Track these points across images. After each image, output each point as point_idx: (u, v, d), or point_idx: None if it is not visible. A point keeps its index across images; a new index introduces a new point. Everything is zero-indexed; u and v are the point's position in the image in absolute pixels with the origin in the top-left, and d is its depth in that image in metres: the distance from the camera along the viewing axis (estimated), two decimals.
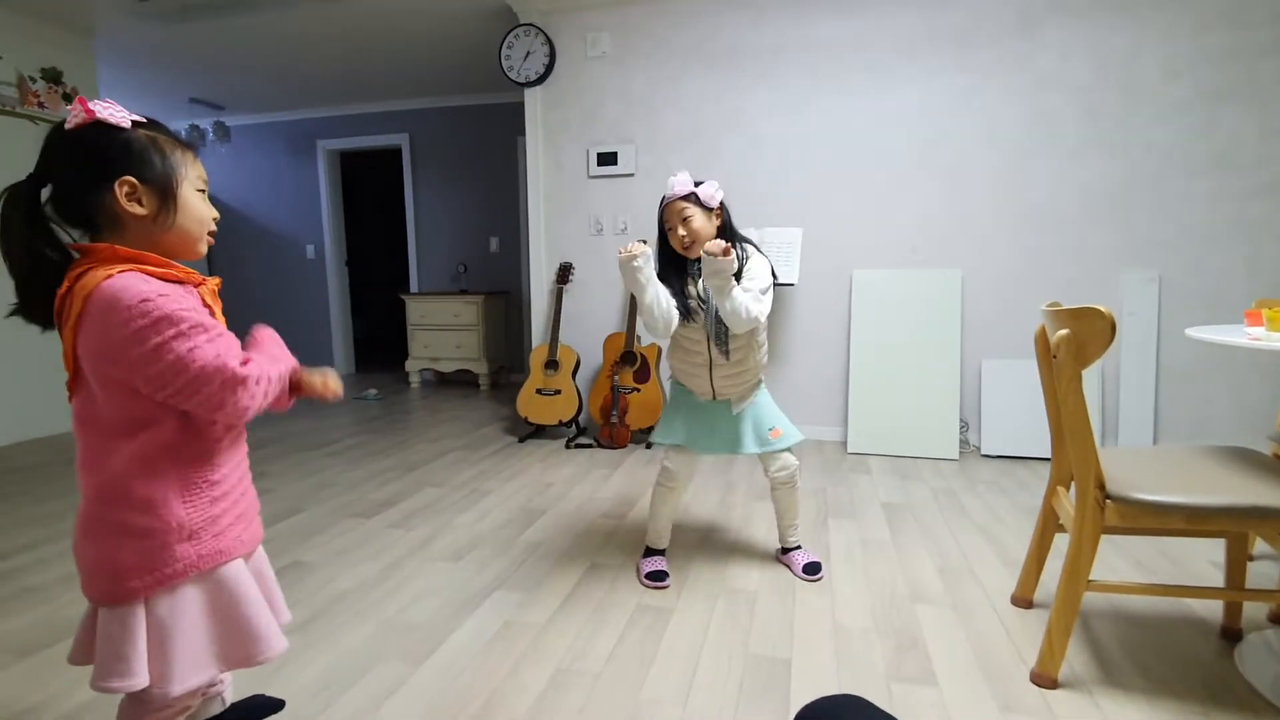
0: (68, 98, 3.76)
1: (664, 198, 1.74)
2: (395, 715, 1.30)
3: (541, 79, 3.62)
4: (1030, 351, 3.12)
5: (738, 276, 1.67)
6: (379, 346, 7.88)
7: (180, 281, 0.92)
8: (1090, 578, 1.32)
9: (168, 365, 0.84)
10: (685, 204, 1.69)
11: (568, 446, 3.36)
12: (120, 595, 0.89)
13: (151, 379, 0.85)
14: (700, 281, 1.71)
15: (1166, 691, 1.34)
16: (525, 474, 2.91)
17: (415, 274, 5.70)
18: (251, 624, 0.97)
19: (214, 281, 1.00)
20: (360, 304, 6.85)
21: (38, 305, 0.90)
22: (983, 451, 3.15)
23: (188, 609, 0.93)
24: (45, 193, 0.90)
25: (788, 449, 1.88)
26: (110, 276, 0.84)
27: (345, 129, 5.63)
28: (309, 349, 5.98)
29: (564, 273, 3.66)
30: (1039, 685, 1.36)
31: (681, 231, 1.70)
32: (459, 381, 5.53)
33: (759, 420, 1.86)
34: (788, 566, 1.94)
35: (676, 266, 1.77)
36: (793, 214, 3.39)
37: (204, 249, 0.99)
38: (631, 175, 3.59)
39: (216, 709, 1.18)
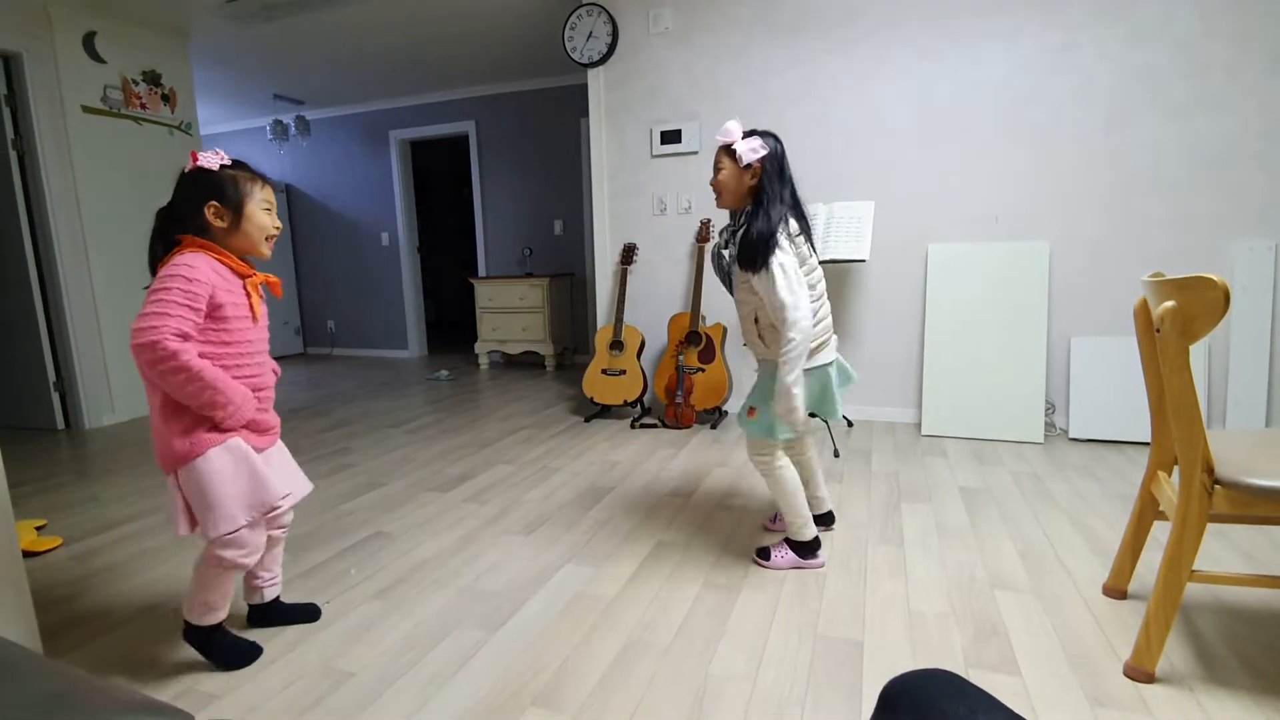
0: (166, 99, 4.02)
1: None
2: (473, 678, 1.36)
3: (604, 59, 3.61)
4: (1125, 328, 2.92)
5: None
6: (449, 328, 8.17)
7: (232, 268, 1.33)
8: (1194, 568, 1.23)
9: (146, 302, 1.22)
10: (721, 155, 1.69)
11: (633, 426, 3.39)
12: (164, 468, 1.31)
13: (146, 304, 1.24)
14: (710, 257, 1.78)
15: (1277, 691, 1.24)
16: (592, 452, 2.96)
17: (483, 258, 5.84)
18: (260, 477, 1.33)
19: (261, 277, 1.39)
20: (431, 288, 7.09)
21: None
22: (1071, 435, 2.97)
23: (208, 473, 1.28)
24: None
25: (755, 436, 1.76)
26: (186, 253, 1.28)
27: (415, 118, 5.80)
28: (385, 332, 6.25)
29: (628, 253, 3.67)
30: (1133, 679, 1.29)
31: (712, 180, 1.72)
32: (526, 363, 5.66)
33: (754, 393, 1.79)
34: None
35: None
36: (864, 187, 3.27)
37: (267, 251, 1.39)
38: (696, 153, 3.54)
39: (258, 600, 1.55)
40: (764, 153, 1.63)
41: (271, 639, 1.51)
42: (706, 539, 2.01)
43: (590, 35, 3.60)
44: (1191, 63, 2.75)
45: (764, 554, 1.84)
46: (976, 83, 3.05)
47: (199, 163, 1.31)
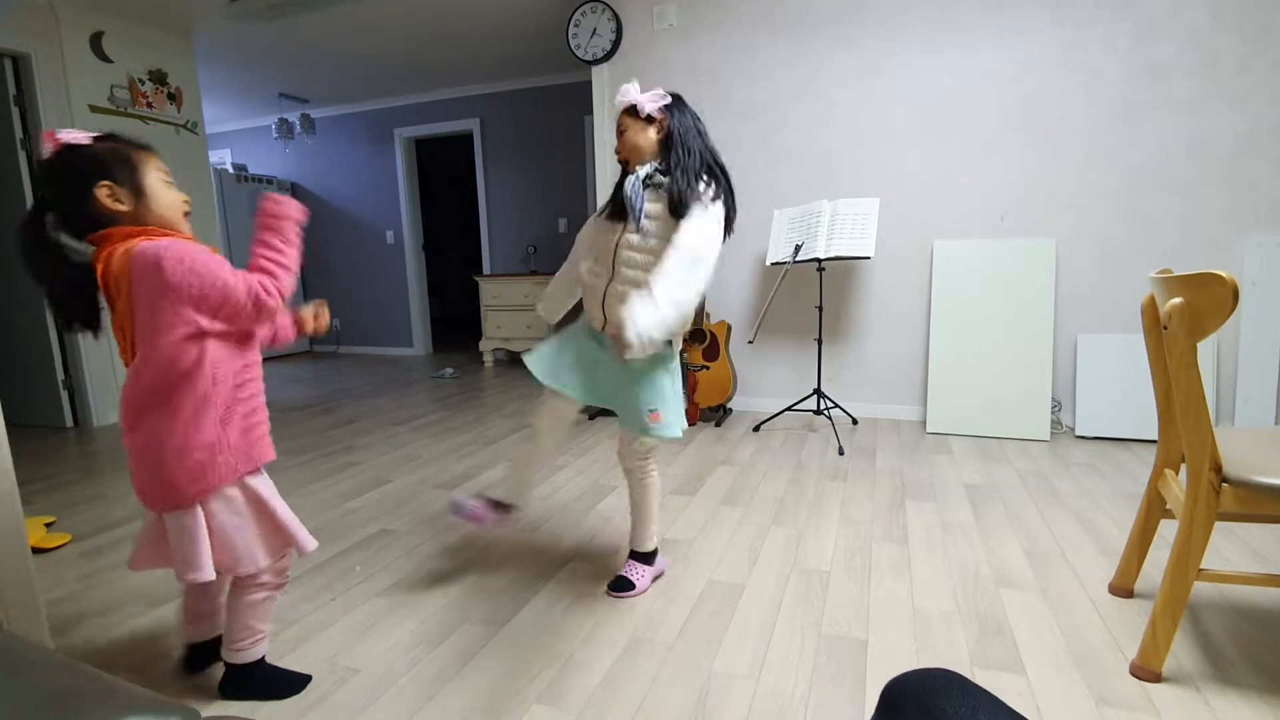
0: (172, 98, 4.04)
1: None
2: (479, 673, 1.36)
3: (608, 56, 3.60)
4: (1133, 325, 2.90)
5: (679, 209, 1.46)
6: (454, 326, 8.18)
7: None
8: (1201, 567, 1.23)
9: (217, 289, 1.06)
10: (623, 118, 1.57)
11: None
12: (180, 502, 1.11)
13: (205, 301, 1.06)
14: (630, 181, 1.53)
15: None
16: (595, 450, 2.96)
17: (487, 256, 5.85)
18: (285, 521, 1.21)
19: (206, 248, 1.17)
20: (436, 285, 7.09)
21: (71, 309, 1.12)
22: (1077, 432, 2.96)
23: (235, 507, 1.16)
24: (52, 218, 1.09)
25: (654, 438, 1.60)
26: (138, 243, 1.04)
27: (420, 116, 5.80)
28: (390, 330, 6.26)
29: None
30: (1140, 678, 1.28)
31: (618, 146, 1.59)
32: None
33: (648, 392, 1.54)
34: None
35: (624, 172, 1.59)
36: (869, 184, 3.26)
37: (187, 228, 1.18)
38: None
39: (261, 651, 1.30)
40: (665, 101, 1.53)
41: (276, 637, 1.51)
42: (710, 536, 2.01)
43: (594, 32, 3.59)
44: (1201, 56, 2.73)
45: (624, 585, 1.66)
46: (982, 78, 3.03)
47: (66, 140, 1.07)
